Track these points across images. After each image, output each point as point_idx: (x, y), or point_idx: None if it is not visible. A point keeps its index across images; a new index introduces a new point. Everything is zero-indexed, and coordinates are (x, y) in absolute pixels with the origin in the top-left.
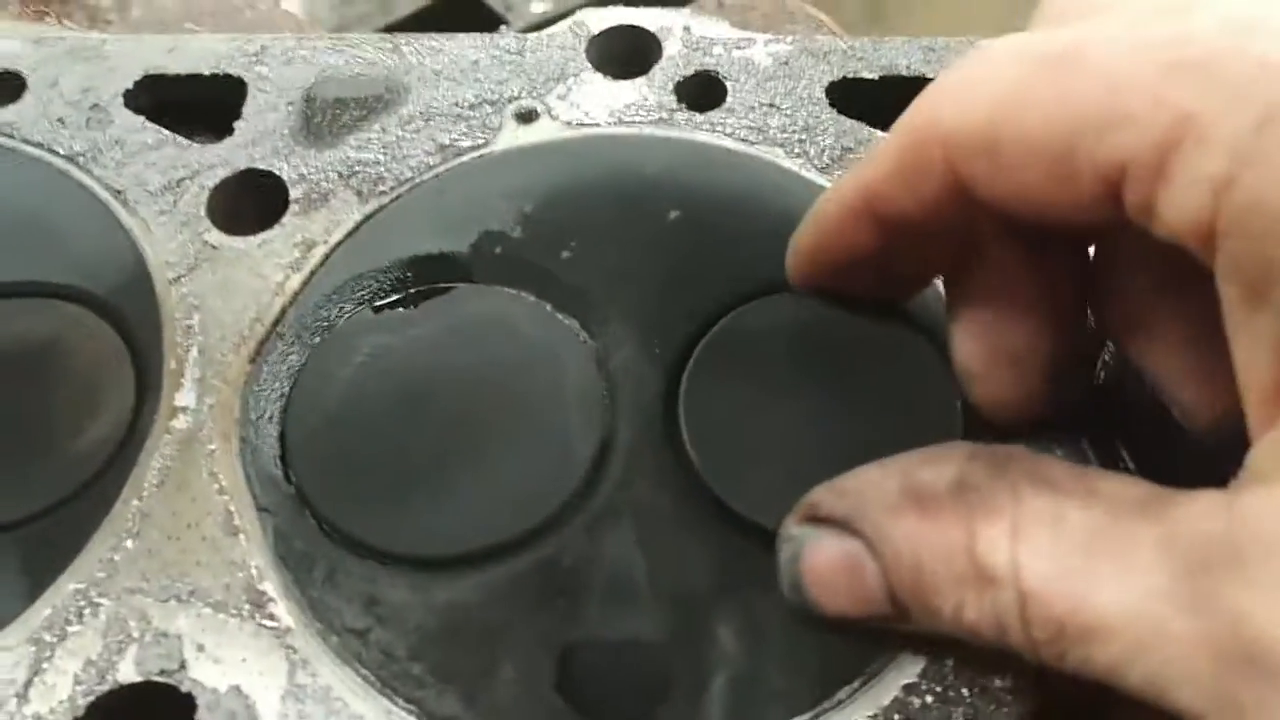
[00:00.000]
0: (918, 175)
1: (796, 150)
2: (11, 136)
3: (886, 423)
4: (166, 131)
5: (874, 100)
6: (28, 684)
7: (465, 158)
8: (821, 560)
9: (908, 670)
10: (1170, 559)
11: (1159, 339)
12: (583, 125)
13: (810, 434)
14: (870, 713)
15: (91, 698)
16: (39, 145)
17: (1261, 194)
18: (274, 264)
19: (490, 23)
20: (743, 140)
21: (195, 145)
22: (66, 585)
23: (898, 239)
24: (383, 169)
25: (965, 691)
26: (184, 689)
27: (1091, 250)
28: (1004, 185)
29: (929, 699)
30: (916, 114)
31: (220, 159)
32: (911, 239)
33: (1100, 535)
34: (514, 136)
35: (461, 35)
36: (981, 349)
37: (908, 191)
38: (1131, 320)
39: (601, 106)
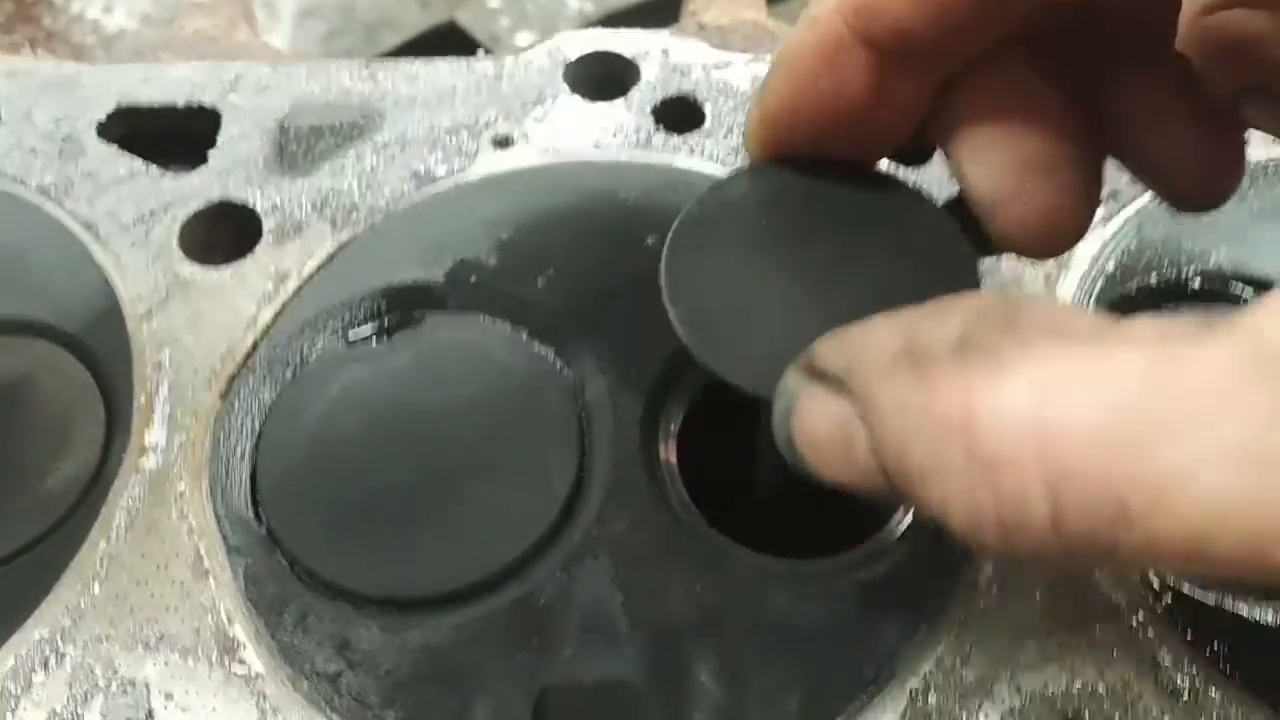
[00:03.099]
0: None
1: None
2: None
3: (899, 287)
4: (140, 162)
5: None
6: None
7: (441, 185)
8: (812, 422)
9: (889, 709)
10: (1269, 376)
11: (1155, 129)
12: (560, 151)
13: (814, 307)
14: None
15: None
16: (11, 178)
17: None
18: (246, 296)
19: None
20: (721, 162)
21: (168, 176)
22: (32, 633)
23: (893, 61)
24: (357, 198)
25: None
26: None
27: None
28: None
29: None
30: None
31: (193, 190)
32: (910, 58)
33: (1160, 373)
34: (491, 163)
35: (438, 60)
36: (1002, 166)
37: None
38: (1126, 117)
39: (579, 131)
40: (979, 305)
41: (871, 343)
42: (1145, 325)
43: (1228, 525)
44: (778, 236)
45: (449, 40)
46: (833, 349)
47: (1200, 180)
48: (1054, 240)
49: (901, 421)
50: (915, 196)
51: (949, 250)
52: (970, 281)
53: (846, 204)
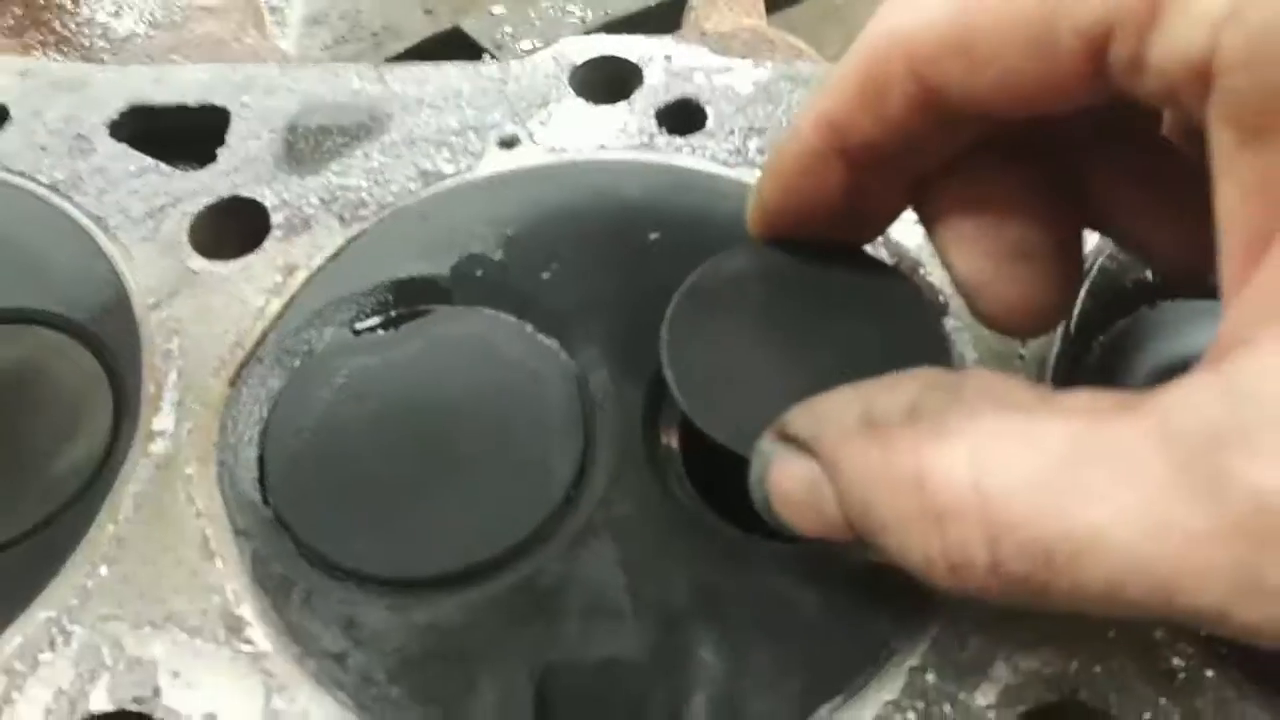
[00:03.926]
0: (880, 96)
1: None
2: None
3: (873, 361)
4: (150, 160)
5: None
6: None
7: (448, 183)
8: (784, 480)
9: (889, 687)
10: (1169, 451)
11: (1140, 216)
12: (564, 151)
13: (796, 375)
14: None
15: None
16: (21, 174)
17: (1267, 21)
18: (255, 288)
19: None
20: (723, 163)
21: (178, 173)
22: (39, 613)
23: (865, 169)
24: (365, 194)
25: (948, 708)
26: (157, 716)
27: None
28: (978, 80)
29: (910, 716)
30: (871, 34)
31: (203, 186)
32: (880, 167)
33: (1081, 443)
34: (496, 162)
35: (446, 64)
36: (982, 252)
37: (872, 115)
38: (1112, 203)
39: (583, 132)
40: (929, 378)
41: (835, 410)
42: (1077, 398)
43: (1135, 576)
44: (769, 309)
45: (453, 47)
46: (802, 416)
47: (1184, 259)
48: (1035, 321)
49: (863, 480)
50: (894, 276)
51: (919, 325)
52: (940, 352)
53: (831, 281)
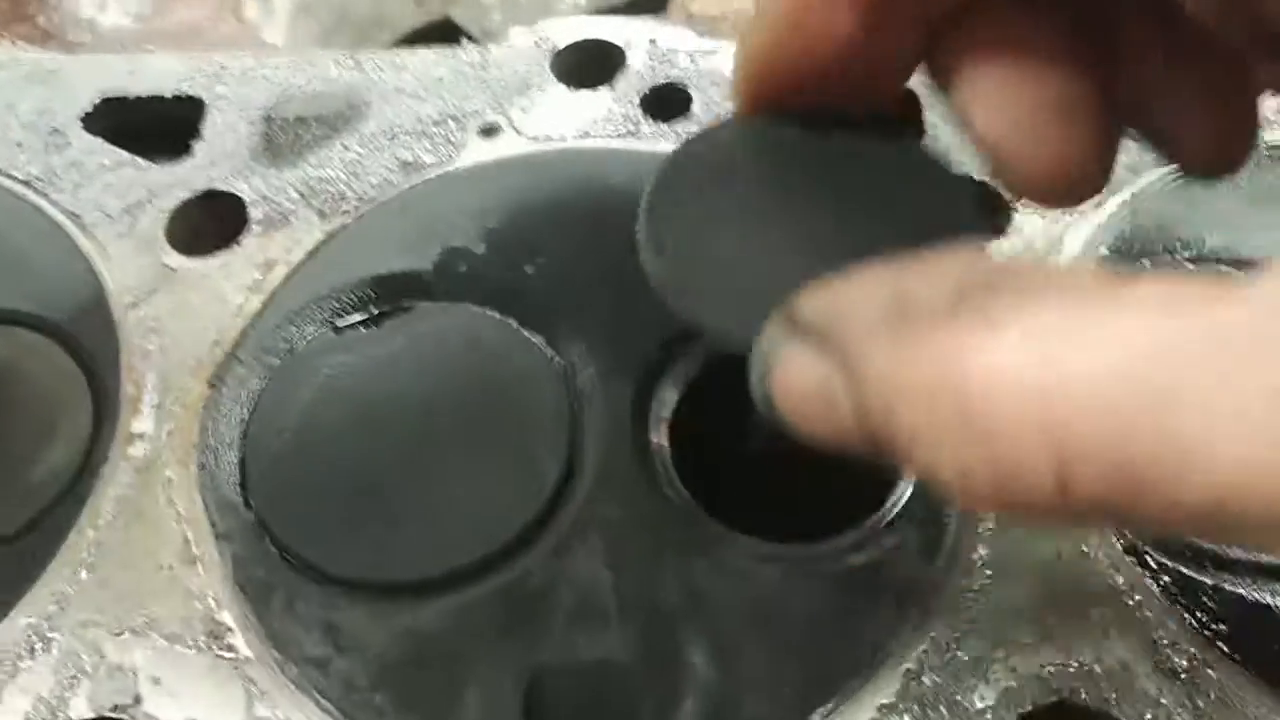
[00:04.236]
0: None
1: None
2: None
3: (895, 238)
4: (125, 153)
5: None
6: None
7: (428, 174)
8: (792, 380)
9: (885, 690)
10: None
11: (1165, 94)
12: (547, 139)
13: (801, 257)
14: None
15: None
16: None
17: None
18: (234, 286)
19: None
20: None
21: (154, 167)
22: (18, 620)
23: (875, 7)
24: (344, 187)
25: (945, 711)
26: None
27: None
28: None
29: (906, 718)
30: None
31: (179, 180)
32: (896, 8)
33: (1173, 337)
34: (478, 152)
35: (424, 50)
36: (1011, 109)
37: None
38: (1135, 79)
39: (566, 120)
40: (974, 260)
41: (856, 297)
42: (1155, 281)
43: (1256, 490)
44: (764, 187)
45: (443, 37)
46: (815, 302)
47: (1212, 148)
48: (1073, 186)
49: (888, 382)
50: (914, 145)
51: (949, 201)
52: (975, 227)
53: (838, 154)
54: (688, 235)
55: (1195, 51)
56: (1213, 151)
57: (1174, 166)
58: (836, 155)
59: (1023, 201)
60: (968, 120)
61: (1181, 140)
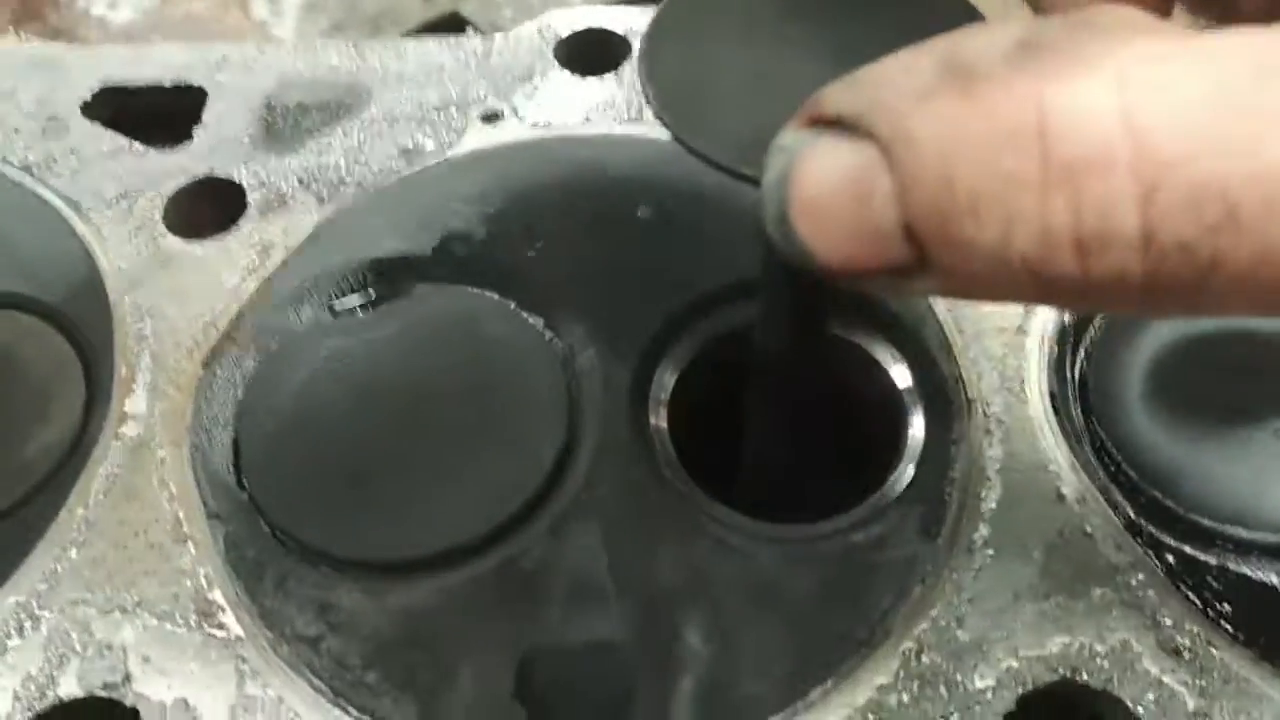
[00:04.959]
0: None
1: None
2: None
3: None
4: (124, 139)
5: None
6: None
7: (429, 160)
8: (818, 177)
9: (883, 670)
10: None
11: None
12: (549, 125)
13: (811, 79)
14: (845, 713)
15: (31, 714)
16: None
17: None
18: (230, 269)
19: None
20: None
21: (152, 153)
22: (7, 598)
23: None
24: (344, 172)
25: (944, 691)
26: (128, 703)
27: None
28: None
29: (905, 698)
30: None
31: (178, 166)
32: None
33: (1269, 57)
34: (479, 138)
35: (427, 38)
36: None
37: None
38: None
39: (568, 107)
40: (1034, 20)
41: (898, 71)
42: (1237, 28)
43: None
44: (774, 13)
45: (452, 31)
46: (845, 89)
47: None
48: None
49: (947, 145)
50: None
51: (965, 10)
52: None
53: None
54: (692, 64)
55: None
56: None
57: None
58: None
59: None
60: None
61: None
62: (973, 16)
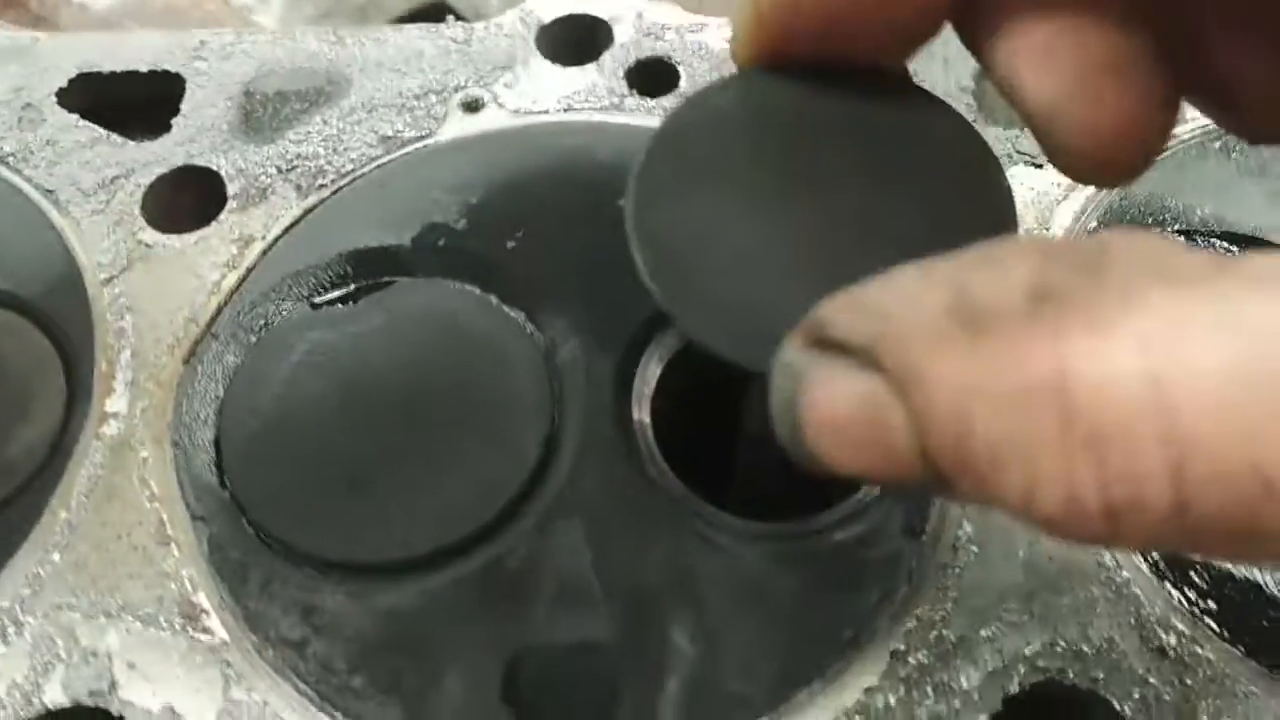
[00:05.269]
0: None
1: None
2: None
3: (925, 228)
4: (101, 129)
5: None
6: None
7: (409, 149)
8: (830, 404)
9: (870, 670)
10: None
11: (1227, 47)
12: (530, 113)
13: (814, 249)
14: (831, 715)
15: None
16: None
17: None
18: (210, 262)
19: None
20: None
21: (130, 143)
22: None
23: None
24: (323, 162)
25: (930, 691)
26: (114, 710)
27: None
28: None
29: (891, 699)
30: None
31: (156, 156)
32: None
33: None
34: (460, 126)
35: (407, 26)
36: (1064, 65)
37: None
38: (1192, 31)
39: (550, 94)
40: (1042, 248)
41: (906, 303)
42: (1268, 261)
43: None
44: (772, 160)
45: (437, 20)
46: (850, 314)
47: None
48: (1129, 153)
49: (963, 396)
50: (941, 109)
51: (981, 178)
52: (1008, 215)
53: (856, 118)
54: (684, 225)
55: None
56: (1274, 115)
57: (1233, 131)
58: (850, 118)
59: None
60: (1013, 83)
61: (1244, 100)
62: (977, 156)
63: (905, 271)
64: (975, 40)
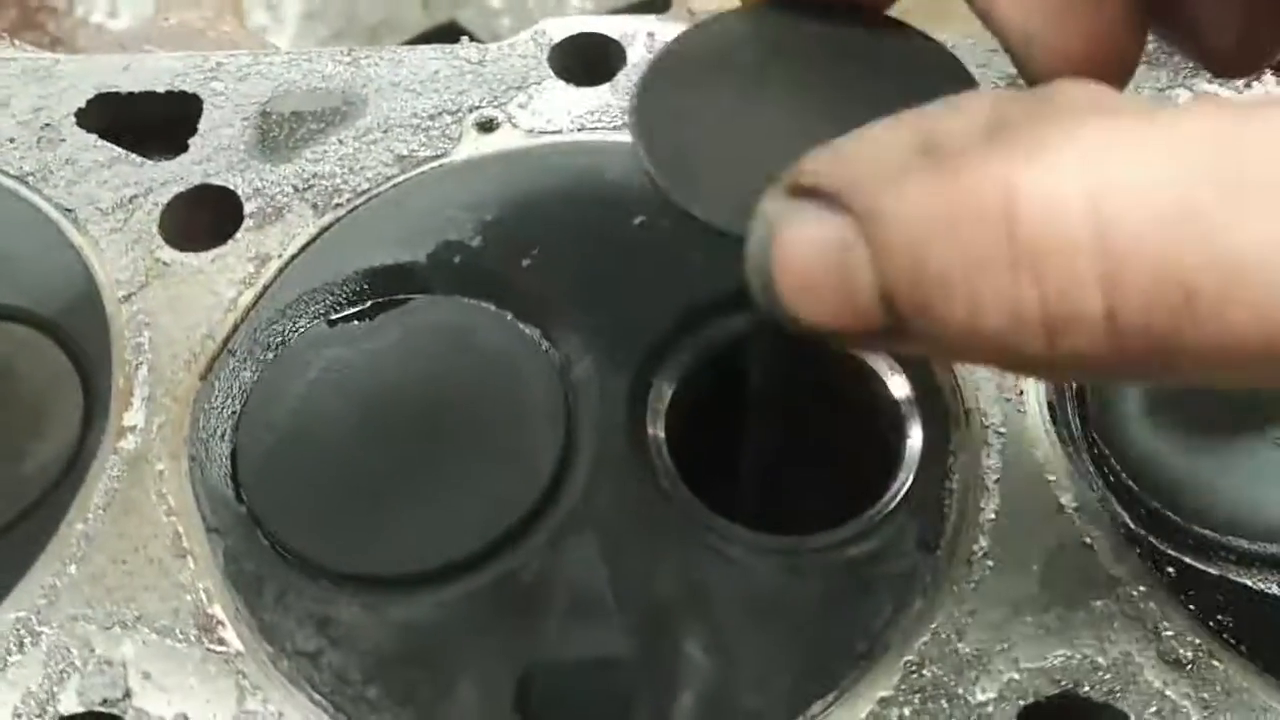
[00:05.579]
0: None
1: None
2: None
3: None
4: (119, 149)
5: None
6: None
7: (424, 168)
8: (798, 247)
9: (884, 683)
10: None
11: None
12: (544, 133)
13: (799, 139)
14: None
15: None
16: None
17: None
18: (227, 280)
19: None
20: None
21: (148, 163)
22: (7, 614)
23: None
24: (339, 181)
25: (945, 704)
26: (128, 719)
27: None
28: None
29: (906, 712)
30: None
31: (173, 175)
32: None
33: (1231, 144)
34: (474, 146)
35: (422, 46)
36: None
37: None
38: None
39: (564, 114)
40: (1002, 94)
41: (873, 147)
42: (1199, 100)
43: None
44: (766, 76)
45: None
46: (824, 161)
47: (1242, 41)
48: (1101, 78)
49: (919, 224)
50: (926, 41)
51: (953, 73)
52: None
53: (846, 46)
54: (682, 122)
55: None
56: (1240, 45)
57: (1199, 62)
58: (840, 46)
59: None
60: (990, 10)
61: (1208, 33)
62: (959, 76)
63: (877, 123)
64: None
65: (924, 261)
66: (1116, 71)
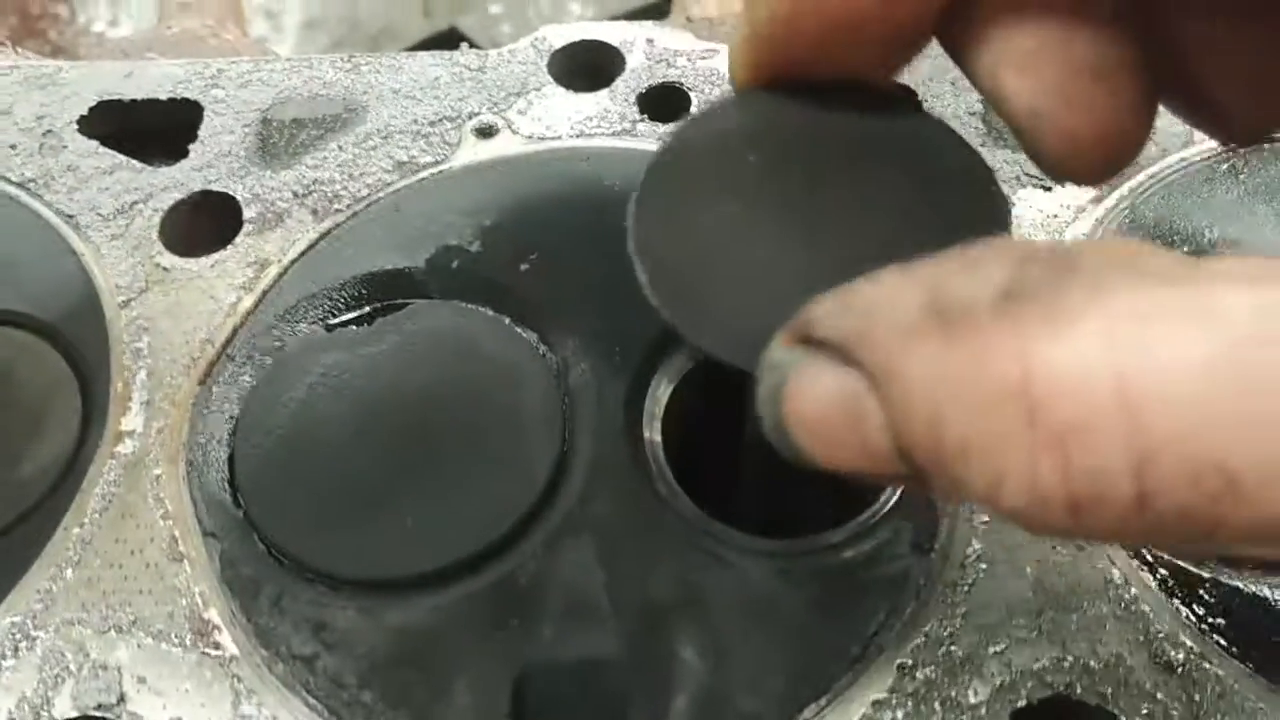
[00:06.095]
0: None
1: None
2: None
3: (914, 235)
4: (120, 156)
5: None
6: None
7: (423, 174)
8: (810, 399)
9: (877, 685)
10: None
11: (1209, 53)
12: (543, 139)
13: (811, 261)
14: None
15: None
16: None
17: None
18: (226, 285)
19: None
20: None
21: (149, 169)
22: (2, 619)
23: None
24: (339, 187)
25: (938, 706)
26: None
27: None
28: None
29: (899, 715)
30: None
31: (174, 182)
32: None
33: (1272, 316)
34: (473, 152)
35: (421, 53)
36: (1046, 70)
37: None
38: (1175, 39)
39: (563, 120)
40: (1021, 250)
41: (885, 301)
42: (1238, 261)
43: None
44: (767, 176)
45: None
46: (834, 312)
47: (1258, 112)
48: (1108, 157)
49: (935, 390)
50: (933, 123)
51: (974, 188)
52: (1001, 225)
53: (850, 134)
54: (682, 237)
55: (1242, 4)
56: (1259, 117)
57: (1212, 138)
58: (844, 134)
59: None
60: (997, 88)
61: (1224, 105)
62: (970, 167)
63: (888, 272)
64: (959, 49)
65: (941, 429)
66: (1123, 152)
